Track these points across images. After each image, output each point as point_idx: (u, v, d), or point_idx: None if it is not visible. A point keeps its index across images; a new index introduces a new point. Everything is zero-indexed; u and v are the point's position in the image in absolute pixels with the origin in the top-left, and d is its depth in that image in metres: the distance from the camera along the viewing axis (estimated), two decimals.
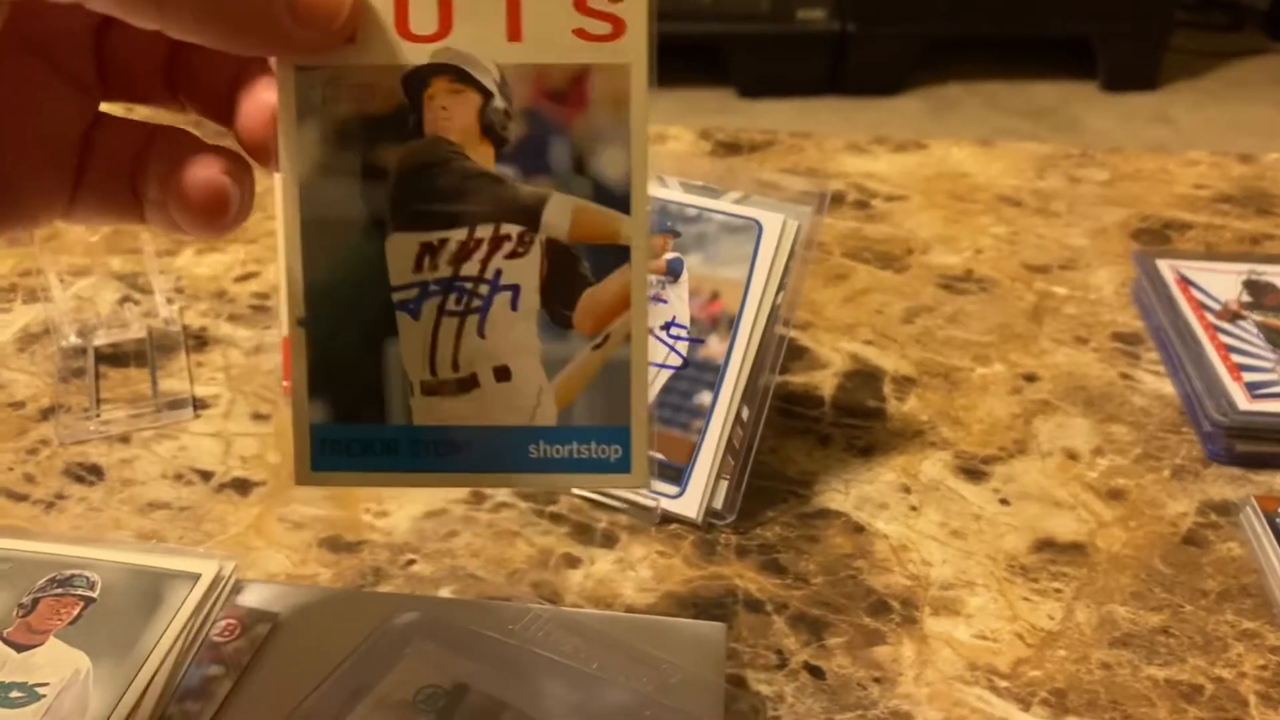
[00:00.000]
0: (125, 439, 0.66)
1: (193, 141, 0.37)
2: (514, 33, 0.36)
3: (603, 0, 0.36)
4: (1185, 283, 0.76)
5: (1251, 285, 0.76)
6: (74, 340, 0.72)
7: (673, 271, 0.64)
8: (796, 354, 0.74)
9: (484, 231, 0.37)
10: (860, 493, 0.64)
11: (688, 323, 0.63)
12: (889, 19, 2.82)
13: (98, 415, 0.67)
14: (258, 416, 0.68)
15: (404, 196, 0.37)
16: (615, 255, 0.37)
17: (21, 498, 0.61)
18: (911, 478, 0.65)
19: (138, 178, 0.38)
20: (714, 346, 0.62)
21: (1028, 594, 0.58)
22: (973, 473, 0.65)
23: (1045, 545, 0.61)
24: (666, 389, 0.63)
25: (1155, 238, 0.88)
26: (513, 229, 0.38)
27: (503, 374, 0.38)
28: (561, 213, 0.37)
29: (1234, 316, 0.73)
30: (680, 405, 0.62)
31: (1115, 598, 0.58)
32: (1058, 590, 0.58)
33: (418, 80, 0.37)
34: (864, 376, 0.73)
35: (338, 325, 0.38)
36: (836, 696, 0.52)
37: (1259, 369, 0.69)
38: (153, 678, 0.48)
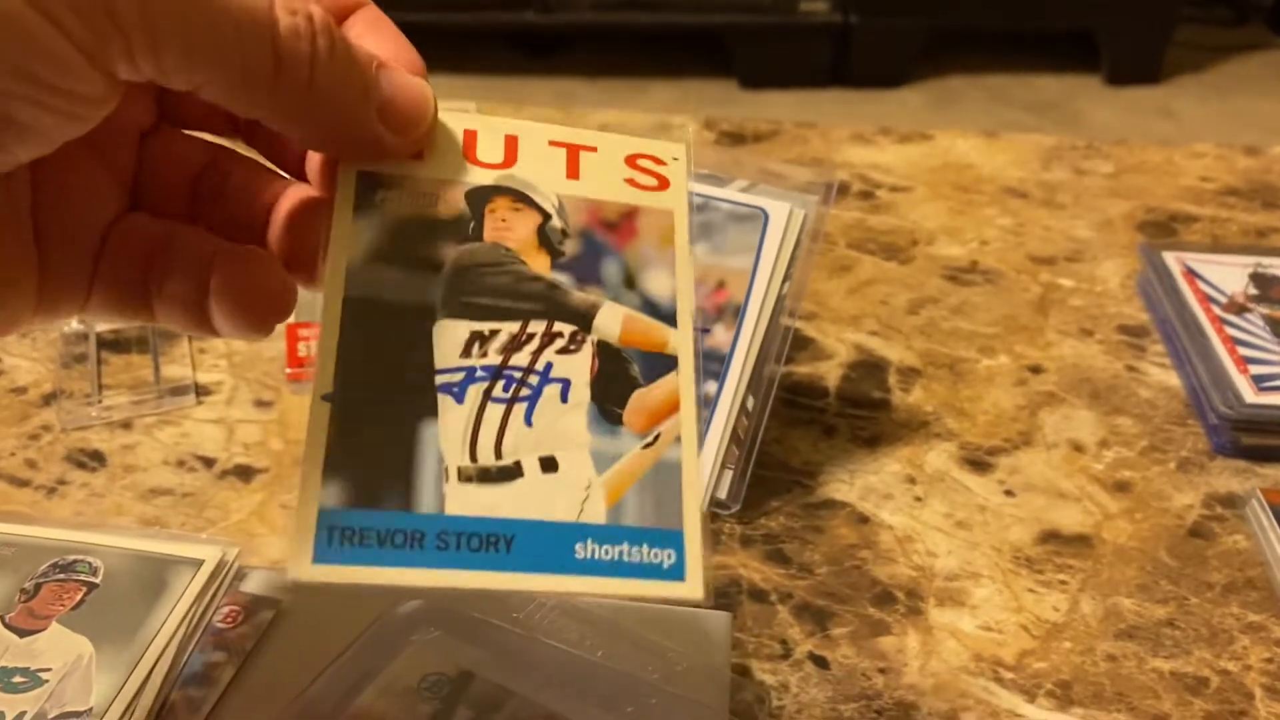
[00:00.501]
0: (127, 425, 0.66)
1: (240, 248, 0.38)
2: (572, 174, 0.39)
3: (650, 162, 0.41)
4: (1191, 275, 0.76)
5: (1258, 278, 0.76)
6: (76, 326, 0.72)
7: None
8: (801, 344, 0.74)
9: (536, 327, 0.37)
10: (865, 483, 0.64)
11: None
12: (892, 11, 2.81)
13: (100, 401, 0.67)
14: (260, 403, 0.68)
15: (457, 287, 0.37)
16: (663, 363, 0.38)
17: (24, 483, 0.61)
18: (916, 469, 0.65)
19: (152, 273, 0.38)
20: (719, 336, 0.62)
21: (1033, 585, 0.58)
22: (978, 464, 0.65)
23: (1050, 537, 0.60)
24: None
25: (1161, 230, 0.88)
26: (565, 328, 0.37)
27: (549, 465, 0.36)
28: (613, 318, 0.38)
29: (1240, 309, 0.73)
30: None
31: (1121, 590, 0.58)
32: (1063, 582, 0.58)
33: (480, 195, 0.38)
34: (869, 367, 0.72)
35: (368, 404, 0.35)
36: (841, 686, 0.52)
37: (1265, 361, 0.69)
38: (155, 664, 0.48)
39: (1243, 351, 0.69)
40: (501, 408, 0.36)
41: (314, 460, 0.33)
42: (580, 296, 0.38)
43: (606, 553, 0.35)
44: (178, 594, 0.51)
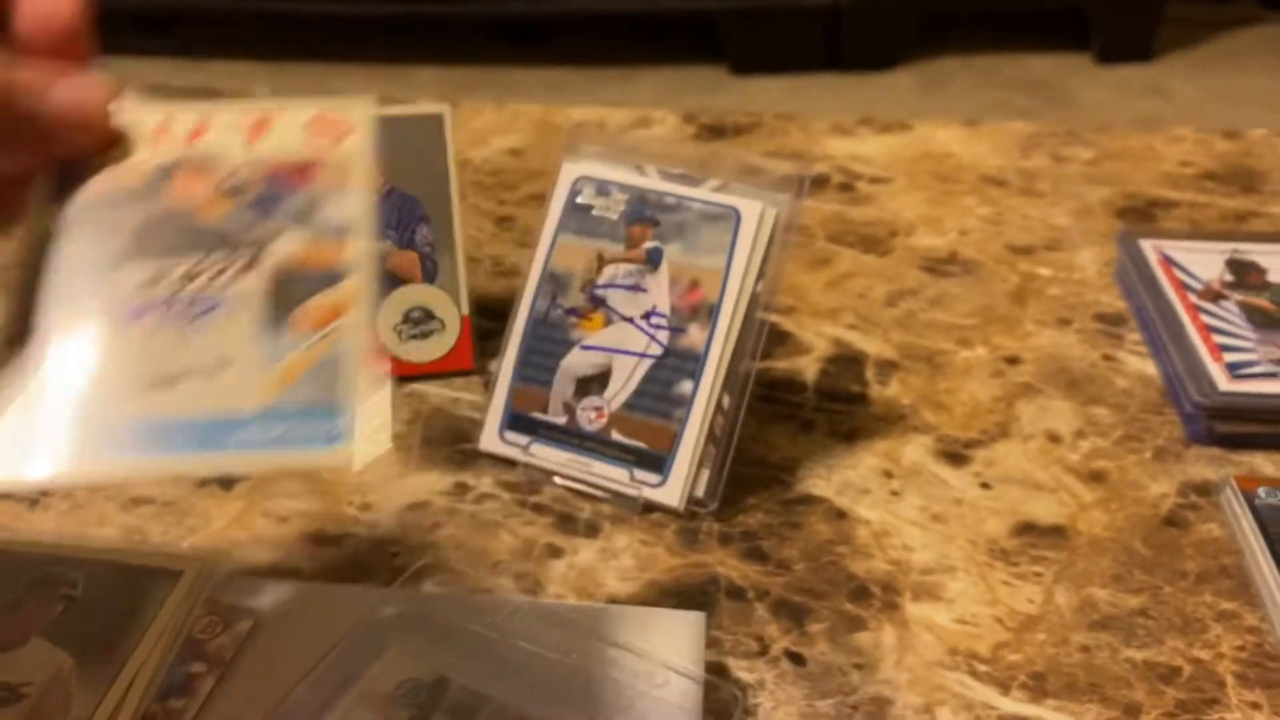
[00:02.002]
0: None
1: None
2: (254, 138, 0.45)
3: (332, 119, 0.45)
4: (1168, 262, 0.76)
5: (1234, 264, 0.76)
6: None
7: (652, 260, 0.64)
8: (780, 339, 0.74)
9: (212, 260, 0.43)
10: (842, 478, 0.64)
11: (668, 311, 0.63)
12: None
13: None
14: None
15: (143, 239, 0.42)
16: (336, 274, 0.42)
17: (4, 496, 0.62)
18: (893, 462, 0.65)
19: None
20: (694, 335, 0.62)
21: (1008, 578, 0.58)
22: (954, 457, 0.66)
23: (1026, 529, 0.61)
24: (647, 378, 0.63)
25: (1140, 216, 0.88)
26: (241, 257, 0.43)
27: (221, 365, 0.41)
28: (290, 241, 0.43)
29: (1216, 296, 0.73)
30: (661, 394, 0.62)
31: (1095, 580, 0.58)
32: (1038, 574, 0.58)
33: (167, 168, 0.44)
34: (847, 361, 0.73)
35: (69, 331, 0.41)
36: (817, 683, 0.53)
37: (1240, 349, 0.69)
38: (135, 676, 0.48)
39: (1218, 339, 0.70)
40: (176, 326, 0.41)
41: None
42: (260, 229, 0.43)
43: (271, 430, 0.39)
44: (157, 606, 0.51)
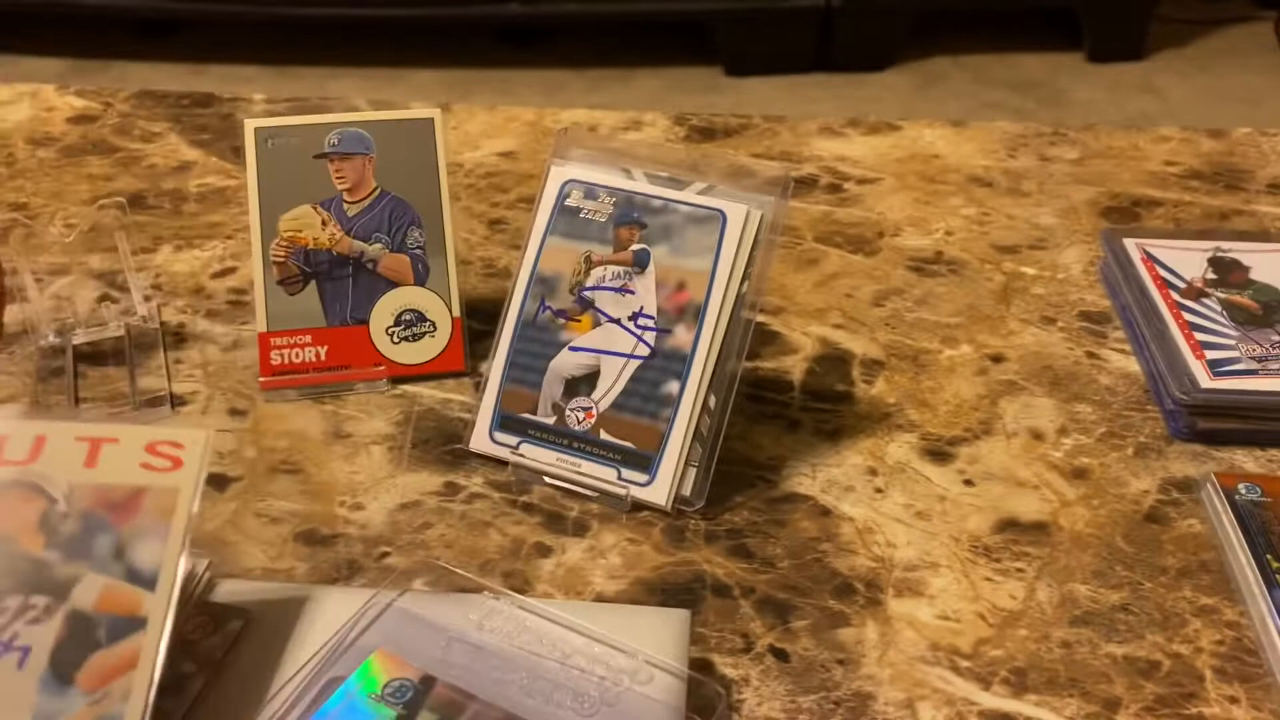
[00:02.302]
0: None
1: None
2: (91, 463, 0.47)
3: (169, 446, 0.47)
4: (1151, 261, 0.77)
5: (1216, 262, 0.77)
6: (52, 339, 0.73)
7: (639, 263, 0.65)
8: (767, 339, 0.75)
9: (12, 602, 0.44)
10: (827, 476, 0.65)
11: (655, 313, 0.64)
12: None
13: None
14: (235, 412, 0.69)
15: None
16: (132, 624, 0.44)
17: None
18: (878, 460, 0.66)
19: None
20: (681, 336, 0.63)
21: (990, 574, 0.59)
22: (938, 454, 0.66)
23: (1008, 525, 0.62)
24: (635, 379, 0.63)
25: (1125, 215, 0.89)
26: (40, 600, 0.44)
27: None
28: (91, 588, 0.44)
29: (1198, 294, 0.74)
30: (648, 395, 0.63)
31: (1076, 576, 0.59)
32: (1020, 570, 0.59)
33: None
34: (833, 361, 0.74)
35: None
36: (801, 679, 0.53)
37: (1221, 346, 0.70)
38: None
39: (1199, 337, 0.70)
40: None
41: None
42: (65, 571, 0.44)
43: None
44: None
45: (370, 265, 0.72)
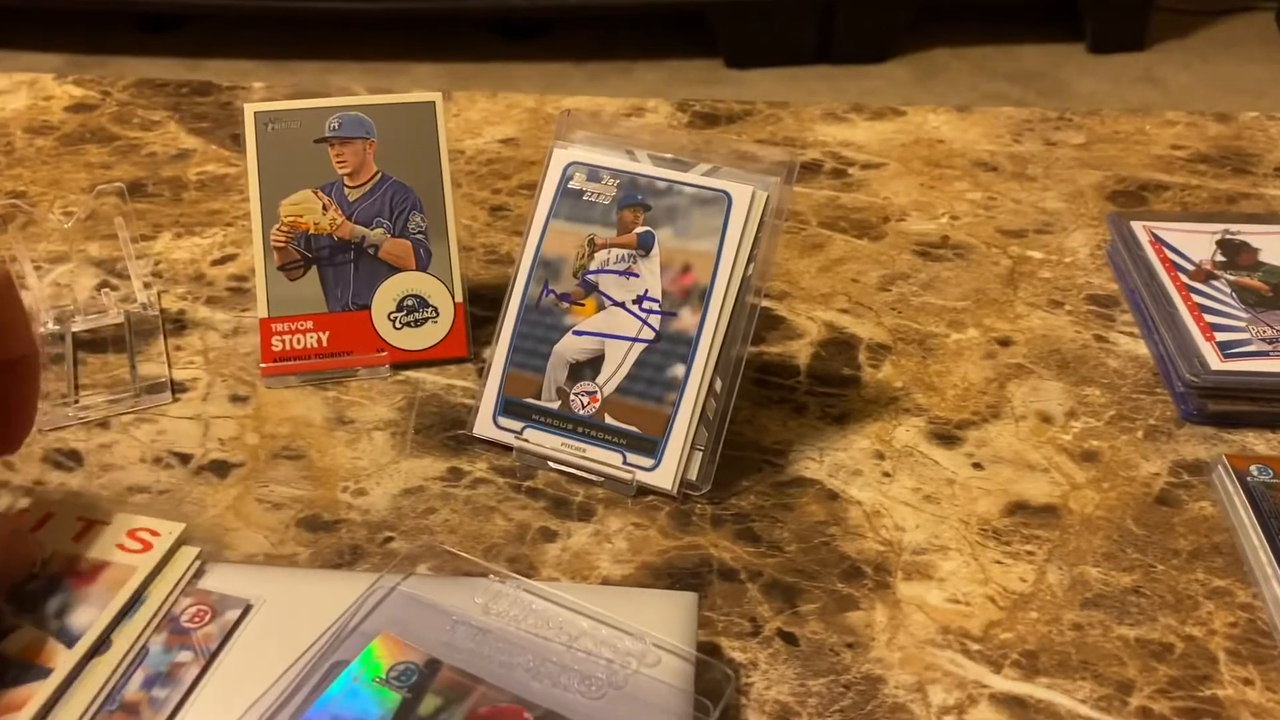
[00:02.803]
0: (104, 424, 0.66)
1: None
2: (80, 539, 0.54)
3: (147, 533, 0.54)
4: (1159, 243, 0.76)
5: (1225, 244, 0.76)
6: (52, 327, 0.73)
7: (644, 245, 0.64)
8: (773, 324, 0.74)
9: None
10: (834, 460, 0.64)
11: (660, 296, 0.63)
12: None
13: (76, 401, 0.67)
14: (236, 398, 0.68)
15: None
16: (40, 673, 0.47)
17: (0, 484, 0.62)
18: (885, 444, 0.65)
19: None
20: (686, 319, 0.62)
21: (1000, 557, 0.58)
22: (946, 438, 0.66)
23: (1018, 508, 0.61)
24: (640, 362, 0.63)
25: (1131, 199, 0.88)
26: None
27: None
28: (22, 638, 0.49)
29: (1207, 276, 0.74)
30: (653, 378, 0.62)
31: (1087, 559, 0.58)
32: (1030, 553, 0.58)
33: None
34: (839, 345, 0.73)
35: None
36: (809, 663, 0.53)
37: (1231, 329, 0.69)
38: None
39: (1209, 319, 0.70)
40: None
41: None
42: (10, 621, 0.50)
43: None
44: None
45: (372, 250, 0.71)
